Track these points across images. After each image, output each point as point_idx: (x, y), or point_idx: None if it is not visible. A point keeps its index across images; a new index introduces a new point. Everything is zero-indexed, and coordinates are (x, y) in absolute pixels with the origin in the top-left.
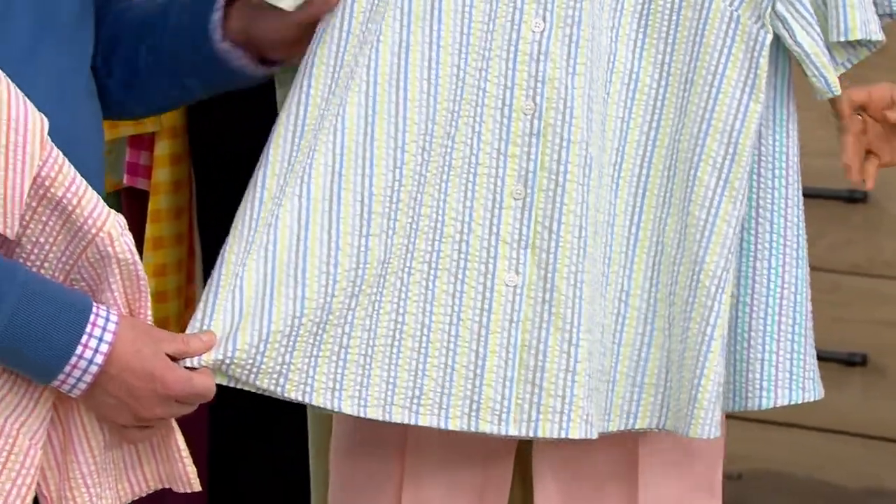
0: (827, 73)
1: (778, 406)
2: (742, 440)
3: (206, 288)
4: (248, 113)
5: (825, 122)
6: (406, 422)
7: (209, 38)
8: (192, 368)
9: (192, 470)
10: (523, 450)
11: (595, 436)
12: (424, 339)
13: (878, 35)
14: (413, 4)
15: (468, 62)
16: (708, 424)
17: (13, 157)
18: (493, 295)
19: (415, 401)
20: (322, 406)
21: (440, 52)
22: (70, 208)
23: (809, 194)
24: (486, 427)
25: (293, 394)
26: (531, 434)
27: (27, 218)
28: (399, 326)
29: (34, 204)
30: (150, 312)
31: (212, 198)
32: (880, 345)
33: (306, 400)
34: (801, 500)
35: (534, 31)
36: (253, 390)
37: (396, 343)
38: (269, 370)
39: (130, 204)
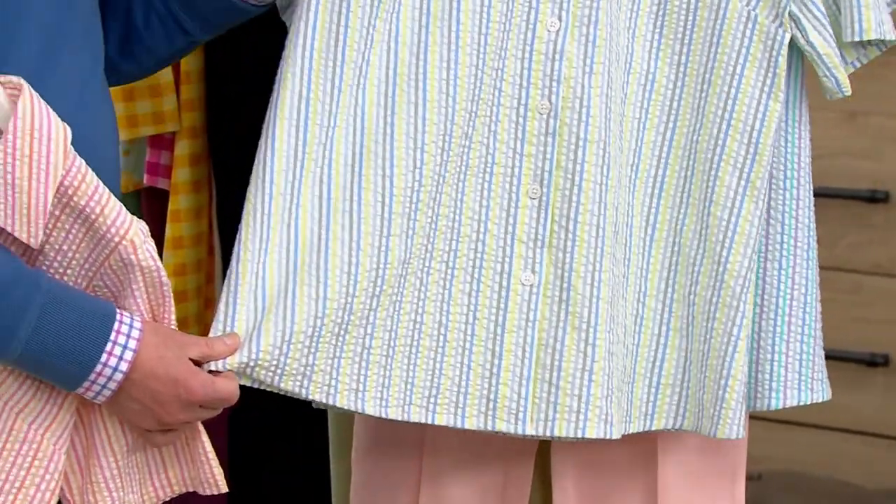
0: (838, 74)
1: (787, 407)
2: (762, 441)
3: (225, 287)
4: None
5: (846, 122)
6: (423, 421)
7: None
8: (216, 372)
9: (219, 472)
10: (543, 451)
11: (616, 436)
12: (442, 338)
13: (892, 35)
14: (431, 4)
15: (485, 62)
16: (736, 424)
17: (37, 166)
18: (508, 294)
19: (431, 400)
20: (346, 408)
21: (458, 52)
22: (93, 217)
23: (831, 194)
24: (503, 426)
25: (317, 395)
26: (548, 434)
27: (50, 226)
28: (418, 326)
29: (57, 212)
30: (173, 318)
31: (231, 198)
32: None
33: (330, 402)
34: (821, 500)
35: (549, 31)
36: (276, 391)
37: (415, 343)
38: (293, 372)
39: (150, 204)
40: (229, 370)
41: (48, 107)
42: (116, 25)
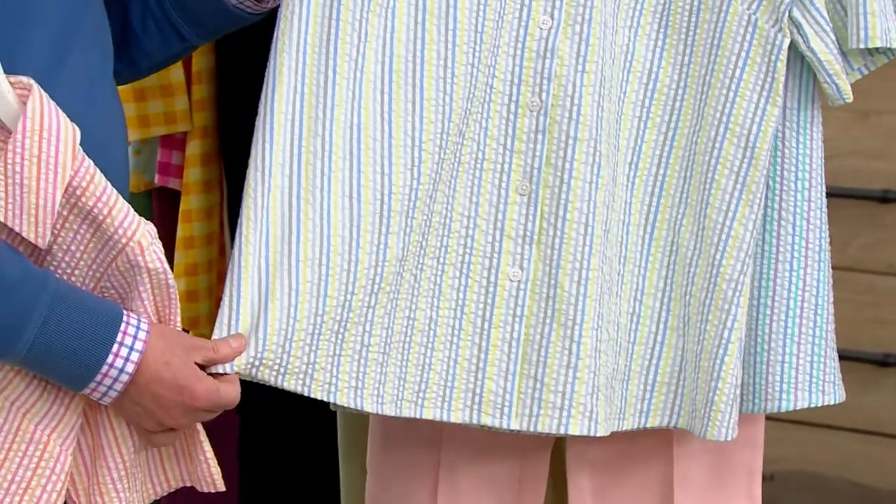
0: (839, 81)
1: (798, 409)
2: (775, 441)
3: (227, 282)
4: None
5: (860, 123)
6: (412, 416)
7: None
8: (219, 374)
9: (216, 471)
10: (558, 448)
11: (601, 433)
12: (431, 333)
13: None
14: (427, 1)
15: (479, 59)
16: (725, 427)
17: (45, 166)
18: (496, 289)
19: (420, 394)
20: (345, 405)
21: (455, 50)
22: (101, 218)
23: (844, 194)
24: (488, 420)
25: (319, 394)
26: (532, 429)
27: (58, 227)
28: (411, 322)
29: (65, 213)
30: (178, 320)
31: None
32: None
33: (331, 399)
34: (834, 501)
35: (541, 28)
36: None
37: (408, 339)
38: (295, 370)
39: (162, 204)
40: (236, 371)
41: (57, 107)
42: (113, 29)
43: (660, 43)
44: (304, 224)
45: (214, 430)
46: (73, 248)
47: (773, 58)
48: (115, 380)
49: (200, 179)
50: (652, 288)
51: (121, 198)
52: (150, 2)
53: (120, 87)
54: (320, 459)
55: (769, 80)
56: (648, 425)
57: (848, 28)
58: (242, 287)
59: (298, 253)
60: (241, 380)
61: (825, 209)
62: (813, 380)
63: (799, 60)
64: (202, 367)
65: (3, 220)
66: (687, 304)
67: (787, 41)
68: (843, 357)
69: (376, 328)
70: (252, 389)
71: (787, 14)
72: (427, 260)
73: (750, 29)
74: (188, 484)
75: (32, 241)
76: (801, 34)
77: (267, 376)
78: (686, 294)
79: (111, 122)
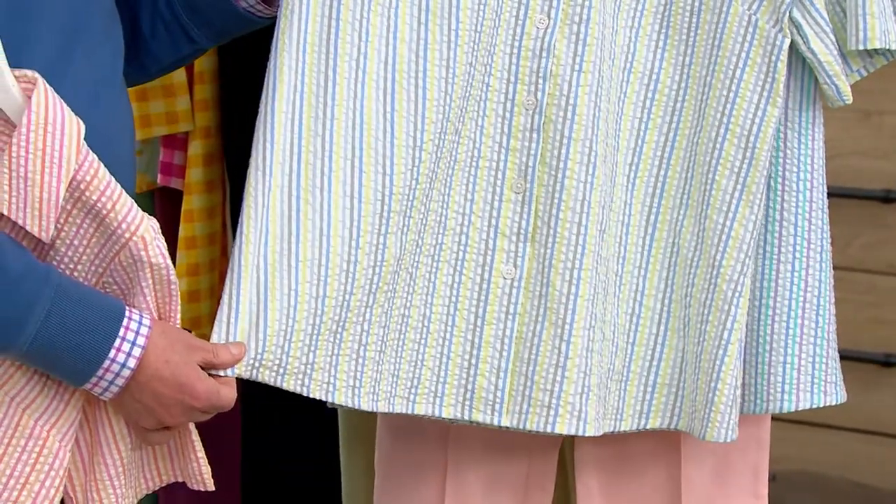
0: (838, 82)
1: (799, 409)
2: (777, 441)
3: (227, 281)
4: None
5: (861, 123)
6: (405, 411)
7: None
8: (218, 376)
9: (206, 470)
10: (563, 449)
11: (591, 433)
12: (424, 329)
13: None
14: (430, 1)
15: (476, 58)
16: (724, 428)
17: (49, 160)
18: (489, 287)
19: (412, 390)
20: (343, 404)
21: (457, 51)
22: (104, 212)
23: (845, 194)
24: (479, 416)
25: (317, 393)
26: (521, 426)
27: (62, 221)
28: (405, 320)
29: (69, 207)
30: (178, 318)
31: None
32: None
33: (329, 398)
34: (836, 501)
35: (538, 28)
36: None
37: (402, 336)
38: (294, 370)
39: (164, 203)
40: (236, 374)
41: (62, 101)
42: (123, 31)
43: (661, 44)
44: (304, 224)
45: (214, 429)
46: (76, 242)
47: (773, 58)
48: (117, 375)
49: (202, 179)
50: (652, 289)
51: (124, 193)
52: (159, 5)
53: None
54: (321, 458)
55: (770, 80)
56: (648, 426)
57: (847, 29)
58: (242, 286)
59: (298, 253)
60: (240, 380)
61: (826, 209)
62: (815, 380)
63: (800, 61)
64: (201, 368)
65: (6, 213)
66: (687, 306)
67: (787, 42)
68: (845, 357)
69: (373, 327)
70: (252, 389)
71: (787, 15)
72: (422, 257)
73: (750, 29)
74: (179, 479)
75: (36, 234)
76: (801, 35)
77: (267, 377)
78: (686, 295)
79: (117, 120)
